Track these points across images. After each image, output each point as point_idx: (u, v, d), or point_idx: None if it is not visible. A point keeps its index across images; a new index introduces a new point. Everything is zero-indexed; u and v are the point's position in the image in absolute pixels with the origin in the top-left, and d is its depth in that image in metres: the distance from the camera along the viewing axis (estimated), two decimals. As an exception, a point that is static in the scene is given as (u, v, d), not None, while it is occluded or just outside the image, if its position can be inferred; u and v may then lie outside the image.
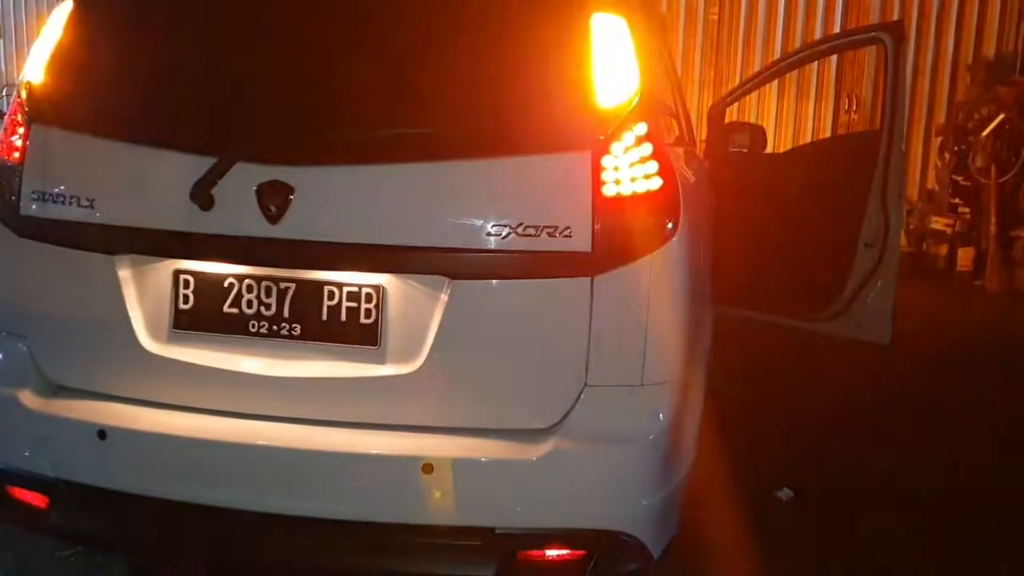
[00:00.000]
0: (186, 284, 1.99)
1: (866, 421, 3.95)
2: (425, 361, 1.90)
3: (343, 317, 1.93)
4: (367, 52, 2.04)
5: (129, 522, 2.06)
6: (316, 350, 1.96)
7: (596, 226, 1.85)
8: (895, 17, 8.29)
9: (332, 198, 1.90)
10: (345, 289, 1.93)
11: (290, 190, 1.89)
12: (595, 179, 1.86)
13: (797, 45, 8.39)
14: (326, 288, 1.94)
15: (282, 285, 1.95)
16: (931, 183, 8.67)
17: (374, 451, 1.92)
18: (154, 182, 2.00)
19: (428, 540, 1.93)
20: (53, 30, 2.17)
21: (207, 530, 2.02)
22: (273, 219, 1.89)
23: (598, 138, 1.88)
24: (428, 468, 1.87)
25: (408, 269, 1.90)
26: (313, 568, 2.07)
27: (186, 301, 1.99)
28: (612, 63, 1.95)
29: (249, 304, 1.97)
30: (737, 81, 8.37)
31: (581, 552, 1.93)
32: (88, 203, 2.01)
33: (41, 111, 2.09)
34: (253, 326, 1.97)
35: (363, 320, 1.93)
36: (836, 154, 4.93)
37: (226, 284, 1.97)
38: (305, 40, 2.04)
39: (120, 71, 2.11)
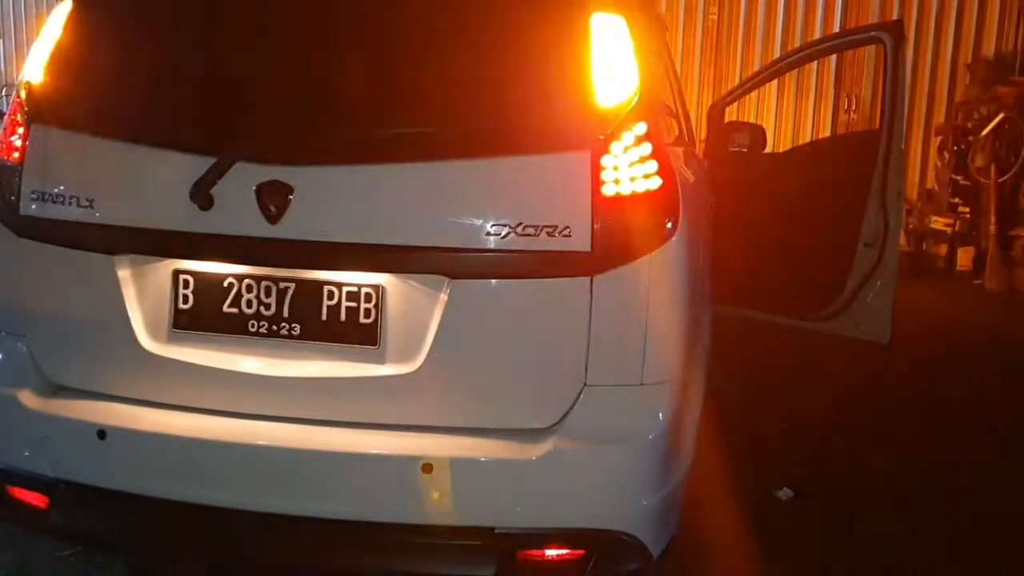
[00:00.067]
0: (186, 284, 1.99)
1: (866, 421, 3.96)
2: (425, 361, 1.90)
3: (343, 317, 1.94)
4: (366, 52, 2.04)
5: (129, 522, 2.06)
6: (316, 350, 1.96)
7: (595, 226, 1.85)
8: (895, 17, 8.29)
9: (332, 198, 1.90)
10: (344, 289, 1.93)
11: (289, 190, 1.89)
12: (594, 179, 1.86)
13: (796, 45, 8.39)
14: (326, 288, 1.94)
15: (282, 285, 1.95)
16: (931, 183, 8.67)
17: (374, 451, 1.92)
18: (154, 182, 2.00)
19: (428, 540, 1.93)
20: (52, 30, 2.17)
21: (207, 530, 2.02)
22: (273, 219, 1.89)
23: (597, 138, 1.88)
24: (428, 468, 1.87)
25: (407, 269, 1.90)
26: (313, 568, 2.07)
27: (186, 301, 1.99)
28: (611, 63, 1.95)
29: (249, 304, 1.97)
30: (736, 81, 8.37)
31: (581, 552, 1.93)
32: (88, 203, 2.01)
33: (41, 111, 2.10)
34: (253, 326, 1.97)
35: (363, 320, 1.93)
36: (835, 154, 4.94)
37: (226, 284, 1.97)
38: (304, 40, 2.04)
39: (119, 71, 2.11)
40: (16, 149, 2.09)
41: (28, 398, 2.06)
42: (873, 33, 4.25)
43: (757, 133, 4.04)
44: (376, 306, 1.92)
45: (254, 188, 1.90)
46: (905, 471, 3.45)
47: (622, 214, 1.87)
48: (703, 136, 4.60)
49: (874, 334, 3.94)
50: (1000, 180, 7.43)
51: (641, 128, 1.90)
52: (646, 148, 1.90)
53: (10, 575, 2.58)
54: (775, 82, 8.37)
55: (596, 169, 1.86)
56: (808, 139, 8.68)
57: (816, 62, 8.33)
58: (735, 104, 5.55)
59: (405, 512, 1.92)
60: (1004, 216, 7.42)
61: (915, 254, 8.18)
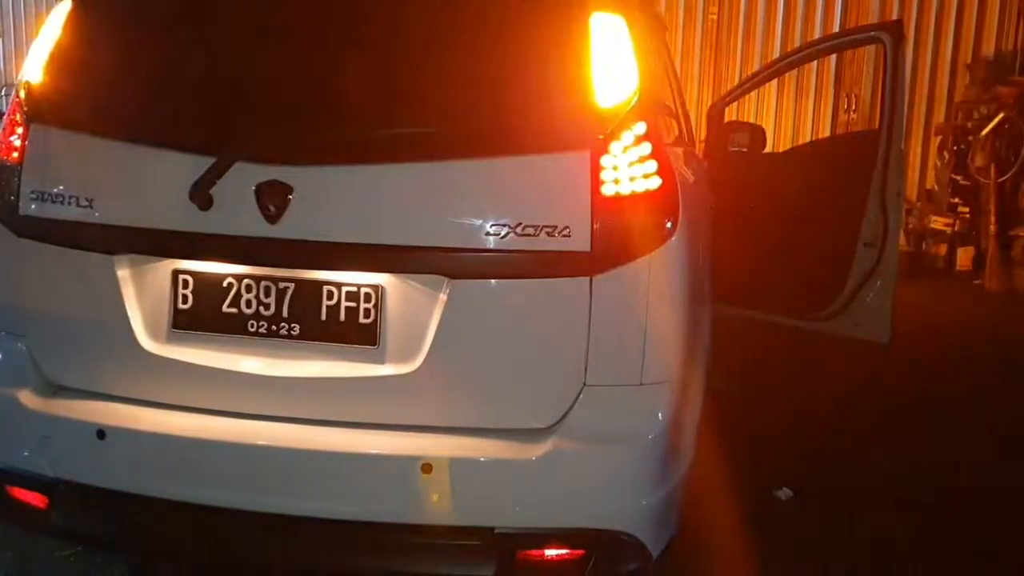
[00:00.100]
0: (185, 284, 1.99)
1: (866, 421, 3.96)
2: (424, 361, 1.90)
3: (342, 317, 1.93)
4: (366, 52, 2.03)
5: (129, 522, 2.06)
6: (315, 350, 1.96)
7: (595, 226, 1.85)
8: (894, 16, 8.30)
9: (331, 198, 1.90)
10: (344, 289, 1.93)
11: (289, 190, 1.89)
12: (594, 178, 1.86)
13: (796, 44, 8.39)
14: (325, 288, 1.94)
15: (281, 285, 1.95)
16: (930, 183, 8.68)
17: (373, 451, 1.92)
18: (153, 182, 2.00)
19: (427, 540, 1.93)
20: (52, 29, 2.17)
21: (207, 530, 2.01)
22: (272, 219, 1.89)
23: (597, 137, 1.88)
24: (427, 468, 1.87)
25: (407, 269, 1.90)
26: (313, 568, 2.07)
27: (185, 301, 1.99)
28: (611, 62, 1.95)
29: (248, 304, 1.97)
30: (736, 81, 8.37)
31: (580, 552, 1.93)
32: (87, 203, 2.01)
33: (40, 111, 2.09)
34: (252, 326, 1.97)
35: (362, 320, 1.93)
36: (835, 154, 4.93)
37: (225, 284, 1.97)
38: (304, 40, 2.04)
39: (119, 71, 2.11)
40: (15, 149, 2.09)
41: (28, 398, 2.05)
42: (873, 33, 4.25)
43: (757, 133, 4.04)
44: (375, 306, 1.92)
45: (253, 188, 1.90)
46: (905, 471, 3.45)
47: (622, 214, 1.87)
48: (703, 136, 4.60)
49: (874, 334, 3.94)
50: (1000, 180, 7.43)
51: (641, 128, 1.90)
52: (646, 148, 1.90)
53: (10, 575, 2.58)
54: (775, 82, 8.38)
55: (596, 169, 1.86)
56: (808, 139, 8.68)
57: (816, 62, 8.34)
58: (735, 104, 5.55)
59: (405, 512, 1.92)
60: (1004, 216, 7.42)
61: (915, 254, 8.18)
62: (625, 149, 1.89)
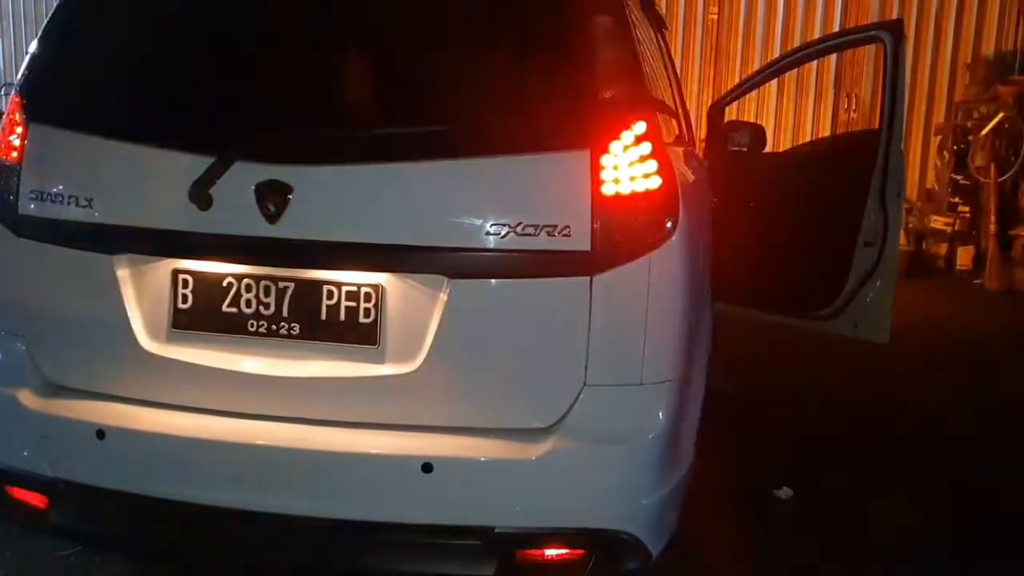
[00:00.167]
0: (185, 284, 1.99)
1: (866, 420, 3.96)
2: (424, 360, 1.90)
3: (342, 316, 1.93)
4: (366, 52, 2.04)
5: (128, 522, 2.06)
6: (315, 350, 1.96)
7: (595, 225, 1.85)
8: (894, 16, 8.30)
9: (331, 197, 1.90)
10: (344, 288, 1.93)
11: (289, 189, 1.89)
12: (594, 178, 1.85)
13: (796, 44, 8.39)
14: (325, 287, 1.94)
15: (281, 284, 1.95)
16: (930, 182, 8.68)
17: (373, 451, 1.92)
18: (153, 181, 2.00)
19: (427, 539, 1.93)
20: (52, 28, 2.17)
21: (206, 530, 2.01)
22: (272, 218, 1.89)
23: (597, 137, 1.87)
24: (427, 468, 1.87)
25: (407, 268, 1.90)
26: (312, 568, 2.07)
27: (185, 301, 1.99)
28: (611, 62, 1.95)
29: (248, 304, 1.96)
30: (736, 80, 8.37)
31: (580, 551, 1.93)
32: (86, 202, 2.00)
33: (39, 110, 2.09)
34: (252, 326, 1.97)
35: (362, 319, 1.93)
36: (835, 153, 4.93)
37: (225, 284, 1.97)
38: (303, 40, 2.04)
39: (119, 70, 2.11)
40: (15, 148, 2.08)
41: (27, 398, 2.05)
42: (873, 32, 4.24)
43: (757, 133, 4.04)
44: (375, 306, 1.92)
45: (253, 187, 1.89)
46: (905, 470, 3.45)
47: (622, 213, 1.87)
48: (703, 135, 4.60)
49: (873, 334, 3.94)
50: (1000, 179, 7.43)
51: (641, 127, 1.90)
52: (646, 147, 1.90)
53: (10, 575, 2.58)
54: (775, 82, 8.38)
55: (596, 168, 1.86)
56: (808, 139, 8.68)
57: (816, 62, 8.34)
58: (735, 104, 5.54)
59: (405, 512, 1.92)
60: (1004, 215, 7.42)
61: (915, 253, 8.18)
62: (625, 148, 1.88)
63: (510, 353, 1.92)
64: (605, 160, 1.87)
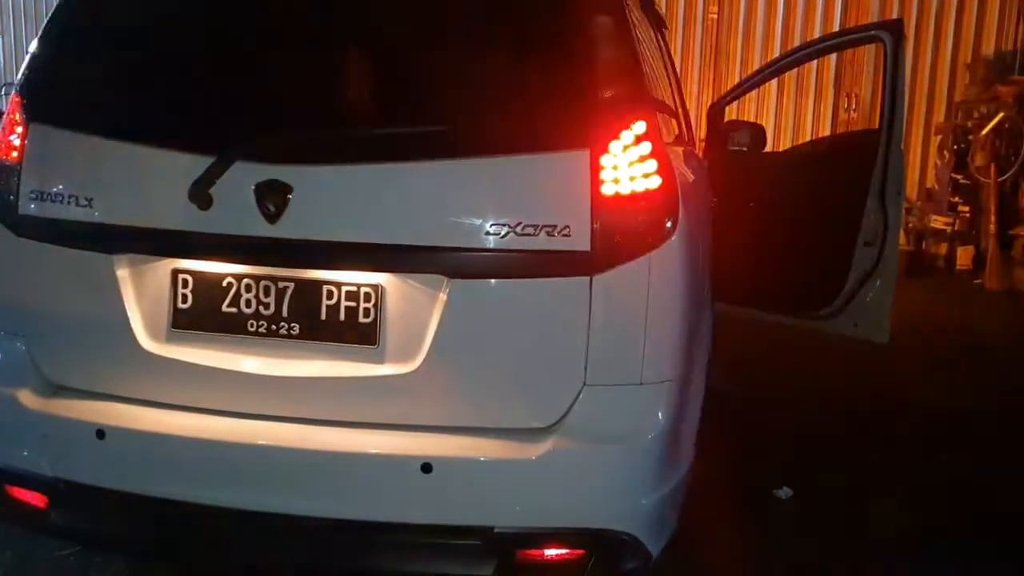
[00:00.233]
0: (184, 284, 1.99)
1: (866, 420, 3.96)
2: (424, 360, 1.90)
3: (342, 316, 1.93)
4: (365, 51, 2.04)
5: (128, 522, 2.06)
6: (315, 349, 1.96)
7: (595, 225, 1.85)
8: (894, 16, 8.29)
9: (331, 197, 1.90)
10: (344, 288, 1.93)
11: (289, 189, 1.88)
12: (594, 178, 1.85)
13: (796, 44, 8.39)
14: (325, 287, 1.94)
15: (281, 284, 1.95)
16: (930, 182, 8.68)
17: (373, 451, 1.92)
18: (152, 181, 2.00)
19: (427, 539, 1.93)
20: (52, 28, 2.17)
21: (206, 530, 2.01)
22: (272, 218, 1.89)
23: (597, 137, 1.87)
24: (427, 467, 1.87)
25: (407, 268, 1.90)
26: (312, 568, 2.07)
27: (184, 301, 1.99)
28: (611, 61, 1.95)
29: (248, 303, 1.96)
30: (736, 80, 8.37)
31: (580, 551, 1.93)
32: (86, 202, 2.00)
33: (40, 110, 2.09)
34: (252, 326, 1.97)
35: (362, 319, 1.93)
36: (835, 153, 4.93)
37: (225, 284, 1.97)
38: (303, 39, 2.04)
39: (119, 70, 2.11)
40: (15, 148, 2.08)
41: (27, 398, 2.05)
42: (873, 32, 4.24)
43: (757, 132, 4.04)
44: (375, 306, 1.92)
45: (253, 187, 1.89)
46: (905, 470, 3.45)
47: (622, 213, 1.87)
48: (703, 135, 4.60)
49: (873, 333, 3.94)
50: (1000, 179, 7.43)
51: (640, 127, 1.90)
52: (645, 147, 1.90)
53: (10, 575, 2.58)
54: (775, 82, 8.38)
55: (595, 168, 1.86)
56: (808, 138, 8.68)
57: (816, 61, 8.33)
58: (735, 103, 5.54)
59: (404, 512, 1.91)
60: (1004, 215, 7.42)
61: (915, 253, 8.18)
62: (625, 148, 1.88)
63: (510, 353, 1.92)
64: (605, 160, 1.86)
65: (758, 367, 4.42)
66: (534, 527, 1.91)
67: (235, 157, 1.90)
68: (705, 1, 9.09)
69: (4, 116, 2.16)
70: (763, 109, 8.88)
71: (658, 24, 3.42)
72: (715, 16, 9.03)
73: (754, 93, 8.19)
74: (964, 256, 7.83)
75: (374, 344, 1.92)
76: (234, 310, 1.97)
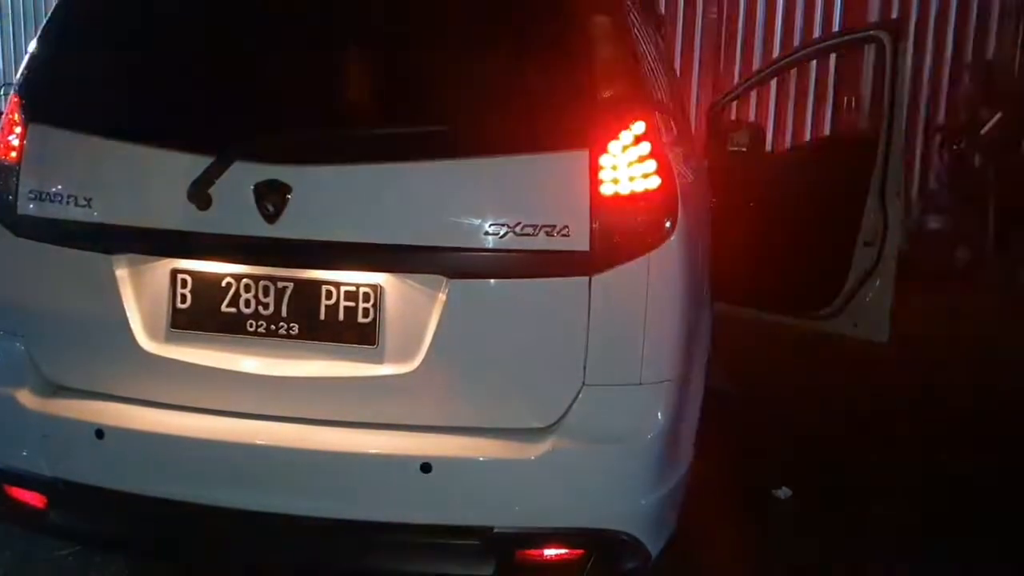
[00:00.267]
0: (183, 284, 1.99)
1: (866, 420, 3.95)
2: (423, 360, 1.90)
3: (341, 316, 1.93)
4: (364, 51, 2.04)
5: (127, 522, 2.06)
6: (314, 349, 1.96)
7: (594, 225, 1.85)
8: (894, 16, 8.29)
9: (330, 197, 1.90)
10: (343, 288, 1.93)
11: (288, 189, 1.89)
12: (593, 178, 1.85)
13: (797, 44, 8.39)
14: (324, 287, 1.94)
15: (280, 284, 1.95)
16: (930, 182, 8.67)
17: (372, 450, 1.92)
18: (152, 181, 2.00)
19: (426, 539, 1.93)
20: (51, 28, 2.17)
21: (205, 530, 2.01)
22: (271, 218, 1.89)
23: (596, 137, 1.87)
24: (426, 467, 1.87)
25: (406, 268, 1.90)
26: (311, 568, 2.07)
27: (183, 301, 1.99)
28: (610, 61, 1.95)
29: (247, 304, 1.96)
30: (736, 80, 8.37)
31: (579, 551, 1.93)
32: (85, 202, 2.00)
33: (38, 110, 2.09)
34: (251, 326, 1.97)
35: (361, 319, 1.93)
36: (835, 153, 4.93)
37: (224, 284, 1.97)
38: (302, 39, 2.04)
39: (118, 70, 2.11)
40: (13, 148, 2.08)
41: (26, 398, 2.06)
42: (873, 32, 4.24)
43: (756, 132, 4.04)
44: (374, 306, 1.92)
45: (252, 187, 1.89)
46: (905, 470, 3.44)
47: (621, 213, 1.87)
48: (703, 135, 4.60)
49: (872, 333, 3.94)
50: (999, 180, 7.42)
51: (640, 127, 1.90)
52: (645, 147, 1.90)
53: (9, 575, 2.58)
54: (775, 82, 8.37)
55: (595, 168, 1.86)
56: (807, 138, 8.68)
57: (816, 61, 8.33)
58: (734, 103, 5.54)
59: (404, 512, 1.92)
60: (1003, 216, 7.41)
61: (914, 253, 8.17)
62: (624, 148, 1.88)
63: (509, 353, 1.92)
64: (604, 160, 1.87)
65: (758, 367, 4.41)
66: (534, 527, 1.91)
67: (234, 157, 1.90)
68: (705, 1, 9.08)
69: (3, 116, 2.16)
70: (763, 109, 8.87)
71: (658, 24, 3.42)
72: (715, 16, 9.02)
73: (754, 93, 8.18)
74: (964, 256, 7.83)
75: (373, 344, 1.92)
76: (233, 310, 1.97)
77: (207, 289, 1.98)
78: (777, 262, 3.97)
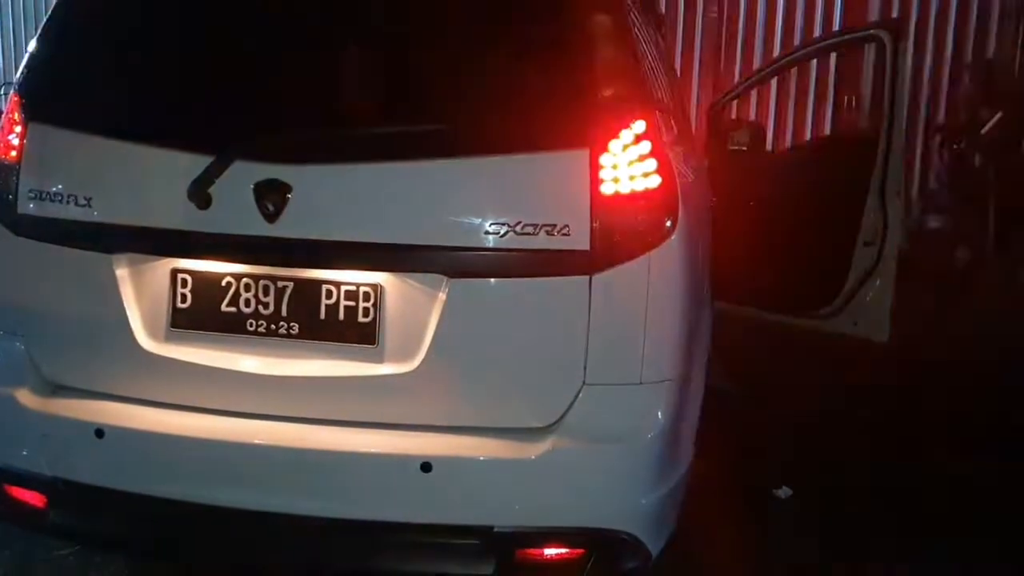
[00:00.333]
0: (184, 283, 1.99)
1: (866, 420, 3.95)
2: (423, 360, 1.90)
3: (341, 316, 1.93)
4: (364, 50, 2.03)
5: (127, 521, 2.06)
6: (314, 349, 1.95)
7: (594, 224, 1.85)
8: (895, 15, 8.29)
9: (330, 197, 1.90)
10: (343, 288, 1.93)
11: (288, 189, 1.88)
12: (593, 177, 1.85)
13: (797, 43, 8.39)
14: (324, 287, 1.94)
15: (280, 284, 1.95)
16: (930, 182, 8.67)
17: (372, 450, 1.92)
18: (152, 181, 2.00)
19: (427, 539, 1.93)
20: (50, 27, 2.17)
21: (205, 529, 2.01)
22: (271, 218, 1.89)
23: (596, 136, 1.87)
24: (426, 467, 1.87)
25: (406, 267, 1.90)
26: (311, 567, 2.06)
27: (184, 300, 1.99)
28: (610, 60, 1.95)
29: (247, 303, 1.96)
30: (737, 80, 8.37)
31: (580, 551, 1.93)
32: (85, 202, 2.00)
33: (38, 109, 2.09)
34: (251, 325, 1.96)
35: (361, 319, 1.92)
36: (835, 152, 4.93)
37: (224, 283, 1.97)
38: (302, 38, 2.04)
39: (118, 69, 2.11)
40: (13, 148, 2.08)
41: (26, 397, 2.05)
42: (873, 31, 4.24)
43: (756, 132, 4.04)
44: (374, 305, 1.92)
45: (252, 187, 1.89)
46: (905, 470, 3.44)
47: (621, 213, 1.87)
48: (703, 135, 4.60)
49: (872, 332, 3.94)
50: (999, 179, 7.42)
51: (640, 126, 1.90)
52: (645, 146, 1.90)
53: (9, 574, 2.58)
54: (775, 81, 8.36)
55: (595, 167, 1.86)
56: (808, 138, 8.68)
57: (816, 61, 8.33)
58: (735, 103, 5.54)
59: (404, 511, 1.91)
60: (1003, 215, 7.41)
61: (914, 253, 8.16)
62: (624, 147, 1.88)
63: (509, 352, 1.92)
64: (604, 159, 1.86)
65: (758, 367, 4.41)
66: (534, 526, 1.91)
67: (234, 156, 1.90)
68: (705, 1, 9.08)
69: (3, 115, 2.16)
70: (763, 109, 8.87)
71: (658, 23, 3.42)
72: (715, 15, 9.02)
73: (754, 93, 8.18)
74: (964, 256, 7.83)
75: (373, 344, 1.92)
76: (233, 310, 1.97)
77: (207, 289, 1.98)
78: (777, 261, 3.97)
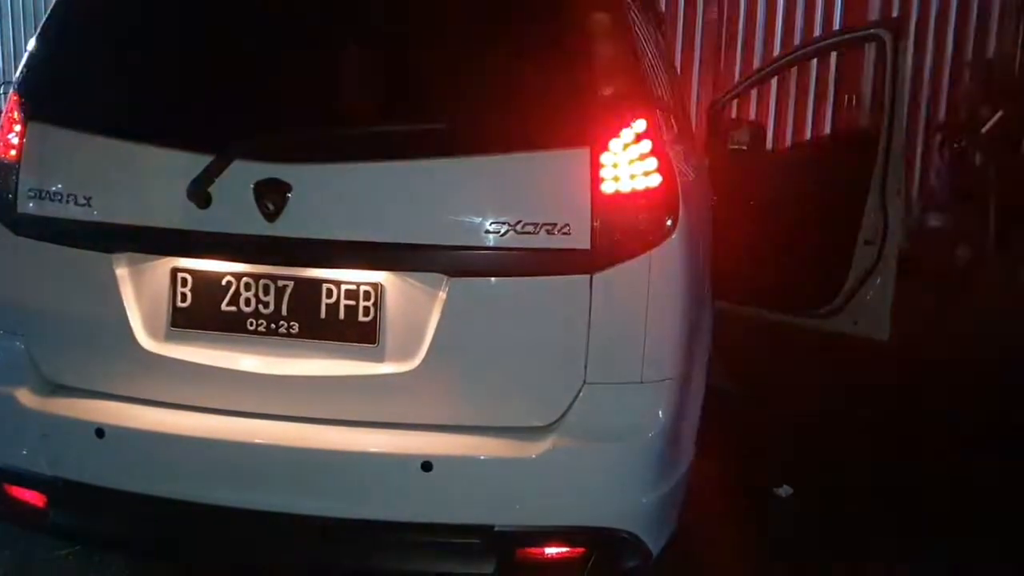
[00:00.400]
0: (184, 282, 1.99)
1: (867, 420, 3.95)
2: (424, 359, 1.90)
3: (341, 315, 1.93)
4: (364, 49, 2.03)
5: (127, 521, 2.06)
6: (314, 348, 1.95)
7: (595, 223, 1.85)
8: (895, 15, 8.29)
9: (330, 196, 1.90)
10: (343, 287, 1.93)
11: (288, 188, 1.88)
12: (594, 176, 1.85)
13: (797, 43, 8.39)
14: (324, 286, 1.93)
15: (280, 283, 1.95)
16: (930, 181, 8.67)
17: (373, 449, 1.92)
18: (151, 180, 2.00)
19: (427, 538, 1.93)
20: (50, 27, 2.17)
21: (205, 529, 2.01)
22: (271, 217, 1.89)
23: (597, 134, 1.87)
24: (427, 466, 1.87)
25: (406, 267, 1.90)
26: (312, 567, 2.06)
27: (184, 299, 1.99)
28: (611, 59, 1.94)
29: (247, 302, 1.96)
30: (737, 79, 8.36)
31: (580, 550, 1.93)
32: (85, 201, 2.00)
33: (38, 108, 2.09)
34: (251, 324, 1.96)
35: (361, 318, 1.92)
36: (835, 151, 4.93)
37: (224, 282, 1.97)
38: (302, 38, 2.04)
39: (117, 68, 2.11)
40: (13, 147, 2.08)
41: (26, 397, 2.05)
42: (873, 30, 4.24)
43: (756, 131, 4.04)
44: (375, 304, 1.92)
45: (252, 186, 1.89)
46: (905, 470, 3.44)
47: (622, 212, 1.87)
48: (703, 134, 4.60)
49: (873, 331, 3.94)
50: (999, 179, 7.42)
51: (640, 125, 1.90)
52: (646, 145, 1.90)
53: (9, 574, 2.58)
54: (775, 81, 8.36)
55: (596, 166, 1.86)
56: (808, 138, 8.68)
57: (817, 60, 8.33)
58: (735, 102, 5.54)
59: (404, 510, 1.91)
60: (1004, 215, 7.41)
61: (914, 252, 8.16)
62: (625, 146, 1.88)
63: (510, 351, 1.92)
64: (605, 158, 1.86)
65: (758, 366, 4.41)
66: (534, 525, 1.91)
67: (234, 155, 1.90)
68: (705, 1, 9.08)
69: (3, 114, 2.16)
70: (763, 109, 8.87)
71: (658, 22, 3.42)
72: (715, 15, 9.02)
73: (754, 92, 8.18)
74: (964, 256, 7.82)
75: (374, 343, 1.92)
76: (233, 309, 1.96)
77: (207, 288, 1.98)
78: (778, 260, 3.97)
